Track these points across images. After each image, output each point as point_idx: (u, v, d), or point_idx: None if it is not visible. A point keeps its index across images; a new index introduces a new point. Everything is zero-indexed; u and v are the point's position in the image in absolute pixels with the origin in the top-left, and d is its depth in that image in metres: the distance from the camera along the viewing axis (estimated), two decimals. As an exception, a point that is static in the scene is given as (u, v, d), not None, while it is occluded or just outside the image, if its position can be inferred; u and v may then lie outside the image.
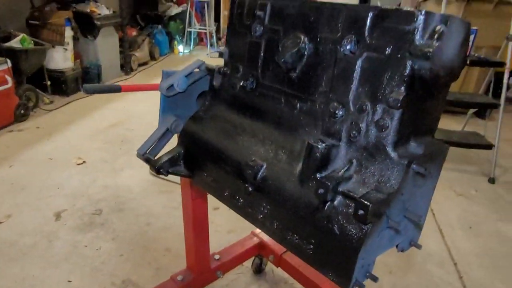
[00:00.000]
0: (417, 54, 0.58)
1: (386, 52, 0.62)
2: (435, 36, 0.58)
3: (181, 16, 6.12)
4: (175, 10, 5.96)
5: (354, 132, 0.67)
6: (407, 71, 0.60)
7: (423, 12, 0.58)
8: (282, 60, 0.74)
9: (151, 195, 2.20)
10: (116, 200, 2.13)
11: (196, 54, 6.19)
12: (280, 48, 0.76)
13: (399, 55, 0.61)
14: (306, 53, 0.74)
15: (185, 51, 6.10)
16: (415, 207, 0.71)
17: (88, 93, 1.05)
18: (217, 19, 7.20)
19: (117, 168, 2.47)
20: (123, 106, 3.47)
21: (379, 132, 0.64)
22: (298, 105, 0.77)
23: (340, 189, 0.64)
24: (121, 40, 4.43)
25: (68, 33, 3.55)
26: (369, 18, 0.64)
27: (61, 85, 3.61)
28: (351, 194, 0.61)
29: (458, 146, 2.79)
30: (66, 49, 3.57)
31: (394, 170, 0.63)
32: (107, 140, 2.86)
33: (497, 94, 3.05)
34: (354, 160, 0.67)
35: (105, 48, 4.11)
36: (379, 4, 2.94)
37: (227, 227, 1.93)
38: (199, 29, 6.40)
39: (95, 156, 2.61)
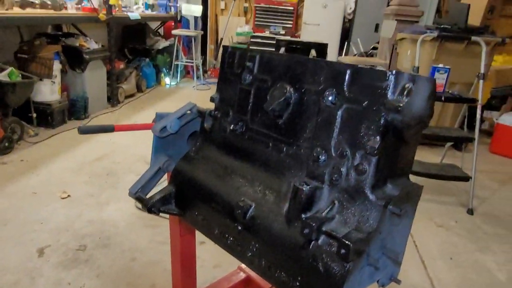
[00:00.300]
0: (389, 108, 0.66)
1: (363, 105, 0.70)
2: (405, 93, 0.66)
3: (168, 50, 6.27)
4: (162, 44, 6.11)
5: (336, 175, 0.73)
6: (382, 122, 0.68)
7: (393, 72, 0.66)
8: (270, 108, 0.80)
9: (137, 229, 2.19)
10: (101, 235, 2.11)
11: (183, 86, 6.30)
12: (268, 97, 0.83)
13: (374, 108, 0.68)
14: (292, 102, 0.81)
15: (172, 83, 6.20)
16: (393, 244, 0.77)
17: (82, 133, 1.09)
18: (203, 52, 7.40)
19: (102, 202, 2.46)
20: (109, 139, 3.49)
21: (358, 176, 0.71)
22: (284, 149, 0.83)
23: (323, 228, 0.70)
24: (108, 72, 4.50)
25: (57, 66, 3.60)
26: (347, 75, 0.72)
27: (47, 118, 3.61)
28: (334, 233, 0.67)
29: (437, 178, 2.89)
30: (53, 82, 3.61)
31: (372, 211, 0.69)
32: (92, 173, 2.86)
33: (472, 127, 3.21)
34: (336, 201, 0.73)
35: (93, 80, 4.16)
36: (359, 42, 3.13)
37: (213, 261, 1.93)
38: (186, 62, 6.55)
39: (81, 189, 2.60)
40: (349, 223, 0.70)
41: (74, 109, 3.99)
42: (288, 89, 0.81)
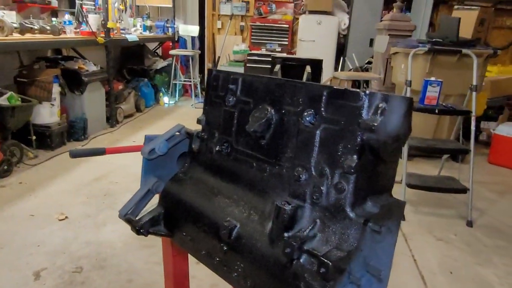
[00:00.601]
0: (364, 128, 0.68)
1: (340, 125, 0.72)
2: (378, 112, 0.67)
3: (166, 69, 6.36)
4: (160, 64, 6.20)
5: (316, 194, 0.75)
6: (358, 141, 0.69)
7: (367, 93, 0.68)
8: (252, 129, 0.82)
9: (133, 250, 2.19)
10: (98, 256, 2.11)
11: (181, 105, 6.36)
12: (250, 119, 0.85)
13: (350, 128, 0.70)
14: (273, 123, 0.83)
15: (171, 102, 6.27)
16: (377, 261, 0.77)
17: (74, 157, 1.11)
18: (201, 71, 7.50)
19: (99, 223, 2.46)
20: (107, 159, 3.51)
21: (338, 194, 0.72)
22: (268, 169, 0.84)
23: (305, 247, 0.70)
24: (107, 93, 4.56)
25: (56, 89, 3.66)
26: (324, 96, 0.74)
27: (46, 140, 3.65)
28: (314, 252, 0.68)
29: (435, 191, 2.89)
30: (53, 105, 3.66)
31: (352, 229, 0.70)
32: (90, 194, 2.87)
33: (469, 138, 3.22)
34: (318, 220, 0.74)
35: (92, 102, 4.22)
36: (354, 57, 3.19)
37: (209, 281, 1.92)
38: (184, 81, 6.63)
39: (78, 211, 2.60)
40: (331, 242, 0.71)
41: (73, 130, 4.03)
42: (269, 110, 0.83)
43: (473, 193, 2.84)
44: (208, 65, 7.55)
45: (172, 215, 0.99)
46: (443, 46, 3.58)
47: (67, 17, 3.96)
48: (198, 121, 1.02)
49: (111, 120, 4.66)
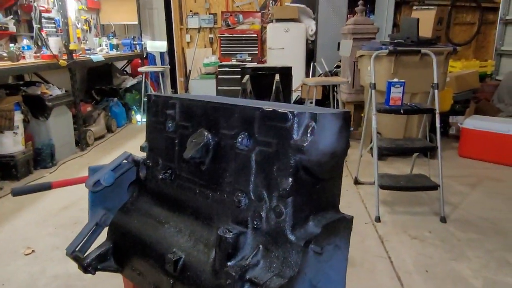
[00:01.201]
0: (294, 149, 0.66)
1: (273, 147, 0.70)
2: (308, 132, 0.66)
3: (137, 87, 6.27)
4: (130, 82, 6.12)
5: (257, 219, 0.72)
6: (291, 163, 0.68)
7: (295, 113, 0.67)
8: (189, 156, 0.79)
9: (103, 280, 2.10)
10: (66, 290, 2.02)
11: (155, 121, 6.26)
12: (187, 145, 0.82)
13: (283, 149, 0.69)
14: (211, 147, 0.80)
15: (143, 120, 6.17)
16: (326, 281, 0.75)
17: (16, 195, 1.05)
18: (173, 85, 7.43)
19: (68, 254, 2.37)
20: (76, 185, 3.40)
21: (277, 218, 0.70)
22: (210, 195, 0.82)
23: (247, 276, 0.68)
24: (74, 116, 4.45)
25: (18, 117, 3.54)
26: (256, 118, 0.72)
27: (11, 170, 3.51)
28: (255, 281, 0.65)
29: (406, 190, 2.93)
30: (16, 133, 3.53)
31: (294, 252, 0.68)
32: (59, 224, 2.76)
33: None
34: (260, 246, 0.72)
35: (58, 127, 4.09)
36: (323, 62, 3.17)
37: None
38: (156, 97, 6.55)
39: (46, 243, 2.50)
40: (273, 268, 0.69)
41: (41, 158, 3.90)
42: (206, 135, 0.80)
43: (445, 187, 2.88)
44: (180, 79, 7.50)
45: (121, 249, 0.95)
46: (404, 46, 3.65)
47: (25, 41, 3.85)
48: (142, 149, 0.99)
49: (81, 143, 4.54)
